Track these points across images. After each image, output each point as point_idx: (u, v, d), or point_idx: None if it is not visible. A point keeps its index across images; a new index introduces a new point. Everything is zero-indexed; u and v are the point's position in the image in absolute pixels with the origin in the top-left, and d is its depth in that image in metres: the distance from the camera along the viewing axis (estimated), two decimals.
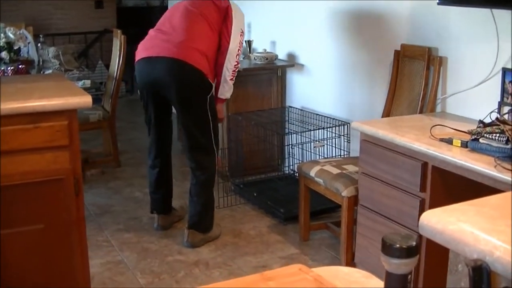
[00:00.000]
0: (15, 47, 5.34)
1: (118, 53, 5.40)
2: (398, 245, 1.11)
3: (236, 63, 3.76)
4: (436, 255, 1.90)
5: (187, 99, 3.69)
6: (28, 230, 2.62)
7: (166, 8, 8.48)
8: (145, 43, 3.82)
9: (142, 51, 3.78)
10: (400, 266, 1.10)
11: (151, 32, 3.87)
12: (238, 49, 3.74)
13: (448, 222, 1.18)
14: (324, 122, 4.45)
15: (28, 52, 5.70)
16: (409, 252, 1.11)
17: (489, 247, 1.08)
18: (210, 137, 3.78)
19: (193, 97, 3.70)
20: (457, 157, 2.60)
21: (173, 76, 3.62)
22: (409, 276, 1.14)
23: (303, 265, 1.34)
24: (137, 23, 10.54)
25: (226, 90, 3.83)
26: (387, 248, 1.12)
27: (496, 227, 1.14)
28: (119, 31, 5.52)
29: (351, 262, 3.46)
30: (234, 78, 3.81)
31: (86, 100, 2.67)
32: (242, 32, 3.79)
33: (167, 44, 3.66)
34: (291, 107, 4.95)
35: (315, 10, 4.62)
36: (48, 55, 6.39)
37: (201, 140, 3.78)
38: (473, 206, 1.26)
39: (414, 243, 1.12)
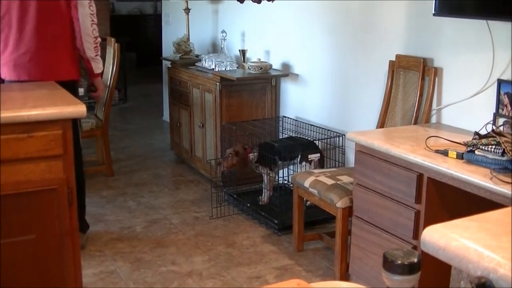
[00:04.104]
0: None
1: (111, 61, 5.39)
2: (399, 262, 1.10)
3: (94, 38, 3.70)
4: (432, 269, 1.89)
5: None
6: (21, 240, 2.60)
7: (159, 16, 8.48)
8: (5, 58, 3.61)
9: (6, 69, 3.59)
10: (402, 283, 1.09)
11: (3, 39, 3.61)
12: (91, 24, 3.64)
13: (451, 239, 1.17)
14: (319, 133, 4.44)
15: None
16: (411, 269, 1.10)
17: (493, 264, 1.07)
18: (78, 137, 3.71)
19: None
20: (453, 169, 2.59)
21: None
22: None
23: (301, 280, 1.31)
24: (130, 31, 10.58)
25: (98, 66, 3.83)
26: (389, 265, 1.11)
27: (500, 243, 1.13)
28: (112, 39, 5.51)
29: (345, 273, 3.45)
30: (98, 51, 3.77)
31: (80, 109, 2.65)
32: (91, 4, 3.64)
33: (31, 64, 3.54)
34: (285, 117, 4.94)
35: (309, 20, 4.62)
36: None
37: None
38: (475, 222, 1.25)
39: (416, 260, 1.11)
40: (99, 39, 3.77)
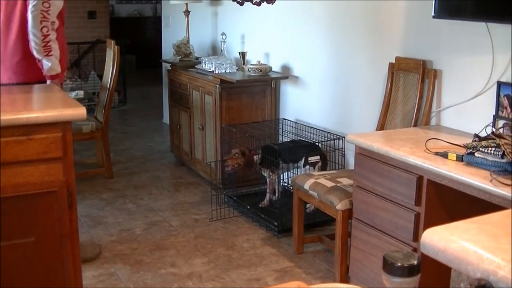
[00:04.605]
0: None
1: (111, 63, 5.39)
2: (399, 264, 1.10)
3: (43, 37, 3.45)
4: (433, 271, 1.89)
5: None
6: (21, 243, 2.60)
7: (159, 18, 8.48)
8: None
9: None
10: (402, 285, 1.09)
11: None
12: (41, 21, 3.42)
13: (451, 241, 1.17)
14: (318, 135, 4.44)
15: None
16: (411, 271, 1.10)
17: (492, 266, 1.07)
18: None
19: None
20: (453, 171, 2.59)
21: None
22: None
23: (301, 282, 1.32)
24: (130, 33, 10.59)
25: (49, 66, 3.53)
26: (389, 267, 1.11)
27: (500, 245, 1.13)
28: (112, 41, 5.51)
29: (345, 275, 3.45)
30: (52, 51, 3.51)
31: (80, 112, 2.65)
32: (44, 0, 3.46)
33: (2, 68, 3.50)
34: (285, 119, 4.94)
35: (309, 22, 4.63)
36: None
37: None
38: (475, 224, 1.25)
39: (415, 262, 1.11)
40: (50, 37, 3.49)
